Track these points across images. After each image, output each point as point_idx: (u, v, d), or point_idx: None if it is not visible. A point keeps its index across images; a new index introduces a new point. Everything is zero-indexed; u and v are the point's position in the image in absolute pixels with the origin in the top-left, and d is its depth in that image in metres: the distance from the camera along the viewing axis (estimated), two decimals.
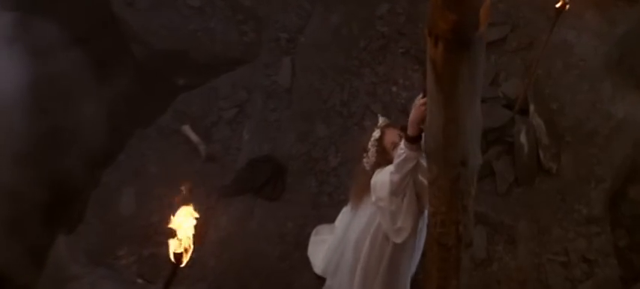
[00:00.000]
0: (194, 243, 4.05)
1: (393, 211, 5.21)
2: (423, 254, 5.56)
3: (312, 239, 6.65)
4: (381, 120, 5.41)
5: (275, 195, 7.25)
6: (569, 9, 5.63)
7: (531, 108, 6.72)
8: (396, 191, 5.09)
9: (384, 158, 5.28)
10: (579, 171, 6.53)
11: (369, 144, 5.34)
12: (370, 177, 5.31)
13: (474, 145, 4.06)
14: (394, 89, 7.51)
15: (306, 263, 6.63)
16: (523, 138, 6.65)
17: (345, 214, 5.98)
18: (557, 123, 6.71)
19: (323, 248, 6.51)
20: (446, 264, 4.66)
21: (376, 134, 5.32)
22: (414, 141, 4.83)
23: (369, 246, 5.62)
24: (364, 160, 5.39)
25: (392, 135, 5.29)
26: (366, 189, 5.40)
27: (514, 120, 6.72)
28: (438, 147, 4.06)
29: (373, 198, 5.26)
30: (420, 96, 4.68)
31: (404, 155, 4.90)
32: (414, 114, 4.77)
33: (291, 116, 7.66)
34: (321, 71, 7.81)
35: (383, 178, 5.14)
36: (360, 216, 5.65)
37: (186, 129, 7.91)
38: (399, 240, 5.40)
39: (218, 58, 8.35)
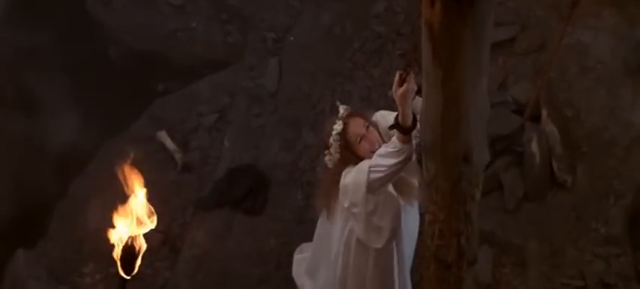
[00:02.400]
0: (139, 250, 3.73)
1: (370, 211, 4.56)
2: (416, 269, 5.00)
3: (296, 258, 6.01)
4: (343, 110, 4.71)
5: (256, 209, 6.79)
6: (584, 8, 5.09)
7: (543, 114, 6.34)
8: (376, 189, 4.45)
9: (349, 154, 4.63)
10: (596, 186, 6.17)
11: (331, 138, 4.65)
12: (335, 177, 4.66)
13: (478, 136, 3.39)
14: (390, 93, 6.89)
15: (290, 284, 6.08)
16: (534, 148, 6.26)
17: (321, 224, 5.28)
18: (572, 132, 6.35)
19: None
20: (445, 286, 3.95)
21: (338, 127, 4.64)
22: (410, 131, 4.14)
23: (344, 260, 4.98)
24: (326, 158, 4.71)
25: (357, 125, 4.63)
26: (332, 192, 4.75)
27: (524, 128, 6.36)
28: (436, 138, 3.39)
29: (345, 204, 4.60)
30: (398, 74, 4.05)
31: (403, 152, 4.21)
32: (399, 96, 4.09)
33: (276, 122, 7.28)
34: (310, 74, 7.45)
35: (357, 179, 4.47)
36: (335, 224, 5.00)
37: (162, 136, 7.47)
38: (378, 244, 4.74)
39: (199, 60, 8.08)
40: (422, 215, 4.91)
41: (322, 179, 4.97)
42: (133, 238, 3.70)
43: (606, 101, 6.43)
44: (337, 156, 4.61)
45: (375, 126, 4.72)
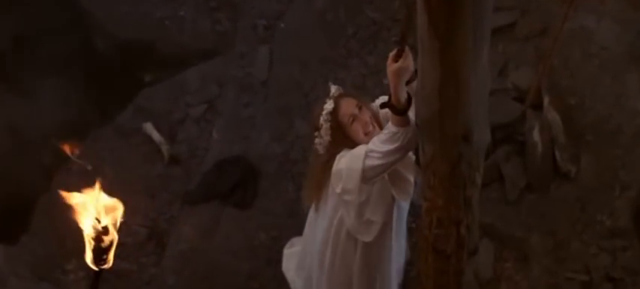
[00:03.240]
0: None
1: (362, 202, 4.30)
2: (411, 262, 4.77)
3: (286, 252, 5.79)
4: (334, 89, 4.43)
5: (245, 202, 6.57)
6: None
7: (545, 101, 6.15)
8: (370, 178, 4.15)
9: (340, 136, 4.34)
10: (602, 176, 5.98)
11: (321, 119, 4.37)
12: (326, 162, 4.38)
13: (479, 114, 3.17)
14: (386, 82, 6.70)
15: (281, 280, 5.92)
16: (536, 136, 6.06)
17: (310, 216, 5.01)
18: (576, 120, 6.14)
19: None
20: (444, 278, 3.74)
21: (328, 106, 4.35)
22: (405, 111, 3.85)
23: (331, 252, 4.71)
24: (316, 141, 4.42)
25: (348, 105, 4.34)
26: (323, 179, 4.48)
27: (525, 116, 6.18)
28: (433, 116, 3.14)
29: (337, 189, 4.31)
30: (393, 52, 3.77)
31: (400, 136, 3.91)
32: (392, 74, 3.79)
33: (266, 112, 7.06)
34: (302, 61, 7.21)
35: (351, 164, 4.18)
36: (322, 215, 4.71)
37: (148, 128, 7.25)
38: (368, 238, 4.49)
39: (188, 49, 7.81)
40: (413, 207, 4.74)
41: (311, 165, 4.67)
42: (99, 231, 3.33)
43: (611, 88, 6.24)
44: (328, 138, 4.34)
45: (371, 109, 4.44)
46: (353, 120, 4.27)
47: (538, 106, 6.20)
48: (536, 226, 5.95)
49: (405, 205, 4.51)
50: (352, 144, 4.25)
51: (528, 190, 6.11)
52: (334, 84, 4.52)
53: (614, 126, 6.11)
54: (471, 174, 3.32)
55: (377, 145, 4.04)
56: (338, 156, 4.28)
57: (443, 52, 2.89)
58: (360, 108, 4.29)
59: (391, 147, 3.95)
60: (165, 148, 7.12)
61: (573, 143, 6.11)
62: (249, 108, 7.17)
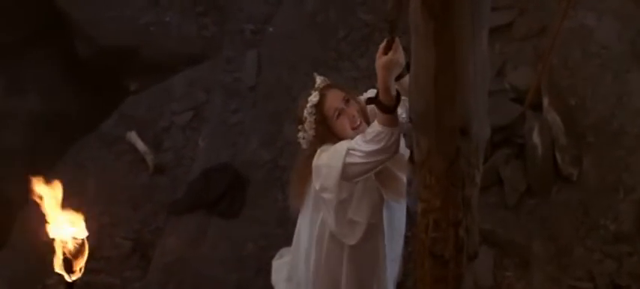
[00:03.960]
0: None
1: (343, 200, 4.03)
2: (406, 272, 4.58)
3: (275, 263, 5.55)
4: (319, 80, 4.16)
5: (232, 211, 6.39)
6: None
7: (545, 102, 6.05)
8: (351, 178, 3.89)
9: (325, 130, 4.06)
10: (605, 179, 5.92)
11: (305, 112, 4.09)
12: (308, 157, 4.11)
13: (478, 104, 2.92)
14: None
15: None
16: (536, 138, 5.94)
17: (298, 222, 4.77)
18: (577, 121, 6.08)
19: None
20: (442, 285, 3.45)
21: (313, 98, 4.07)
22: (393, 110, 3.59)
23: (316, 254, 4.45)
24: (299, 134, 4.16)
25: (334, 98, 4.06)
26: (305, 174, 4.20)
27: (525, 117, 6.06)
28: (428, 107, 2.89)
29: (316, 186, 4.05)
30: (382, 44, 3.55)
31: (383, 135, 3.65)
32: (381, 68, 3.56)
33: (255, 117, 6.91)
34: (291, 64, 7.06)
35: (331, 161, 3.90)
36: (305, 213, 4.46)
37: (132, 137, 7.09)
38: (352, 240, 4.22)
39: (173, 55, 7.67)
40: (409, 214, 4.49)
41: (296, 162, 4.41)
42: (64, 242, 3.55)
43: (613, 88, 6.18)
44: (312, 133, 4.08)
45: (360, 103, 4.18)
46: (339, 114, 4.01)
47: (537, 107, 6.10)
48: (538, 232, 5.85)
49: (397, 206, 4.25)
50: (337, 139, 3.99)
51: (528, 194, 6.01)
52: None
53: (616, 127, 6.05)
54: (470, 172, 3.08)
55: (359, 144, 3.77)
56: (319, 151, 4.02)
57: (438, 34, 2.65)
58: (347, 102, 4.02)
59: (374, 147, 3.69)
60: (149, 158, 6.96)
61: (574, 145, 6.02)
62: (236, 115, 7.03)
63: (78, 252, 3.62)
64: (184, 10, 7.82)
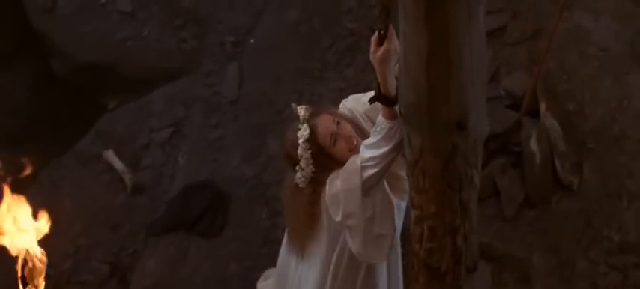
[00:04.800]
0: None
1: (368, 218, 3.73)
2: None
3: (260, 285, 5.29)
4: (302, 111, 3.85)
5: (214, 230, 6.28)
6: None
7: (542, 107, 5.90)
8: (370, 189, 3.62)
9: (324, 159, 3.79)
10: (607, 186, 5.77)
11: (299, 150, 3.80)
12: (311, 194, 3.85)
13: (476, 94, 2.64)
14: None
15: None
16: (534, 145, 5.80)
17: (283, 254, 4.48)
18: (576, 127, 5.93)
19: None
20: None
21: (304, 132, 3.79)
22: (395, 102, 3.33)
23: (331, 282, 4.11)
24: (297, 175, 3.85)
25: (325, 124, 3.78)
26: (313, 214, 3.91)
27: (521, 124, 5.91)
28: (420, 99, 2.62)
29: (337, 217, 3.74)
30: (374, 36, 3.29)
31: (394, 129, 3.41)
32: (378, 62, 3.28)
33: (236, 132, 6.80)
34: (274, 76, 6.92)
35: (347, 184, 3.64)
36: (313, 259, 4.13)
37: (110, 155, 7.08)
38: (381, 258, 3.91)
39: (152, 70, 7.64)
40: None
41: (291, 205, 4.10)
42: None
43: (612, 91, 6.03)
44: (310, 168, 3.80)
45: (346, 118, 3.91)
46: (335, 140, 3.74)
47: (534, 113, 5.98)
48: (538, 244, 5.72)
49: (402, 205, 3.98)
50: (339, 164, 3.72)
51: (527, 205, 5.89)
52: (299, 105, 3.97)
53: (617, 132, 5.89)
54: (468, 172, 2.80)
55: (372, 151, 3.52)
56: (328, 181, 3.74)
57: (429, 15, 2.38)
58: (338, 123, 3.76)
59: (389, 146, 3.44)
60: (127, 177, 6.92)
61: (574, 151, 5.89)
62: (217, 130, 6.93)
63: (33, 268, 3.26)
64: (163, 24, 7.73)
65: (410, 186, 2.95)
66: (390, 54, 3.19)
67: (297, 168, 3.84)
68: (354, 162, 3.60)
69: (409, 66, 2.54)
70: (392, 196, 3.76)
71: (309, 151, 3.78)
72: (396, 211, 3.85)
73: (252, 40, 7.32)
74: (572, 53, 6.16)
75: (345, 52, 6.96)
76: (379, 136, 3.45)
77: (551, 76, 6.05)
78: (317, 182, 3.83)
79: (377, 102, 3.40)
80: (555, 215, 5.80)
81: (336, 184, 3.71)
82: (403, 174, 3.70)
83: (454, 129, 2.62)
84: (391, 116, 3.35)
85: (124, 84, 7.67)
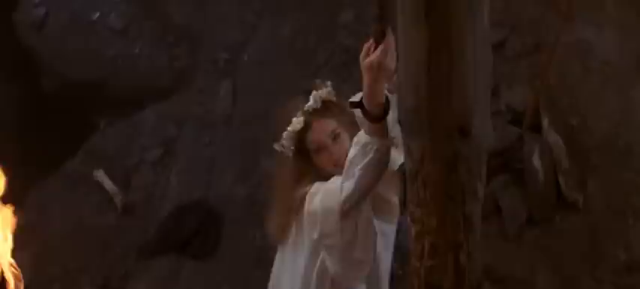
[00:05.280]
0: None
1: (347, 241, 3.46)
2: None
3: None
4: (313, 101, 3.61)
5: (206, 251, 6.25)
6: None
7: (544, 122, 5.88)
8: (349, 211, 3.34)
9: (304, 159, 3.55)
10: (612, 203, 5.74)
11: (284, 136, 3.59)
12: (294, 182, 3.57)
13: (480, 97, 2.44)
14: None
15: None
16: (536, 162, 5.77)
17: (278, 258, 4.23)
18: (580, 142, 5.93)
19: None
20: None
21: (296, 125, 3.55)
22: (381, 119, 3.08)
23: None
24: (276, 146, 3.64)
25: (321, 132, 3.52)
26: (290, 201, 3.61)
27: (523, 140, 5.88)
28: (420, 103, 2.44)
29: (314, 235, 3.50)
30: (368, 43, 3.06)
31: (372, 148, 3.14)
32: (365, 69, 3.05)
33: (229, 150, 6.76)
34: (268, 93, 6.80)
35: (326, 203, 3.39)
36: (300, 250, 3.86)
37: (99, 175, 7.03)
38: (358, 285, 3.64)
39: (144, 88, 7.51)
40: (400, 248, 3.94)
41: (276, 182, 3.86)
42: None
43: (617, 104, 6.02)
44: (289, 161, 3.56)
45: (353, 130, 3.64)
46: (321, 150, 3.48)
47: (536, 129, 5.93)
48: (541, 264, 5.68)
49: (388, 228, 3.74)
50: (316, 170, 3.49)
51: (530, 223, 5.84)
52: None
53: (622, 146, 5.87)
54: (471, 183, 2.60)
55: (349, 167, 3.24)
56: (308, 195, 3.49)
57: (430, 11, 2.21)
58: (334, 138, 3.48)
59: (363, 161, 3.16)
60: (118, 197, 6.89)
61: (578, 168, 5.85)
62: (210, 148, 6.90)
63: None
64: (154, 41, 7.63)
65: (410, 199, 2.76)
66: (381, 67, 2.97)
67: (276, 147, 3.62)
68: (336, 182, 3.35)
69: (408, 67, 2.36)
70: (376, 221, 3.53)
71: (292, 147, 3.55)
72: (379, 239, 3.62)
73: (245, 57, 7.27)
74: (575, 67, 6.12)
75: (340, 68, 6.83)
76: (355, 151, 3.19)
77: (554, 91, 6.01)
78: (297, 173, 3.58)
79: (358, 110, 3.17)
80: (559, 233, 5.76)
81: (316, 201, 3.45)
82: (393, 198, 3.51)
83: (456, 134, 2.44)
84: (372, 131, 3.11)
85: (115, 102, 7.57)
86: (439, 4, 2.18)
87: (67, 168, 7.22)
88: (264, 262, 5.39)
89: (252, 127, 6.78)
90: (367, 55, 3.04)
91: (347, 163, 3.22)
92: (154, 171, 7.05)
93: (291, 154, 3.53)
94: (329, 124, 3.51)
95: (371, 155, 3.13)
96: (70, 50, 7.65)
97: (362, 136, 3.14)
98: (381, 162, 3.17)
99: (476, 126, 2.45)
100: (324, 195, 3.38)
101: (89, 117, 7.70)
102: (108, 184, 6.93)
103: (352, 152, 3.20)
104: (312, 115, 3.54)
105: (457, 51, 2.27)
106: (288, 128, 3.54)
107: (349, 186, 3.23)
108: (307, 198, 3.46)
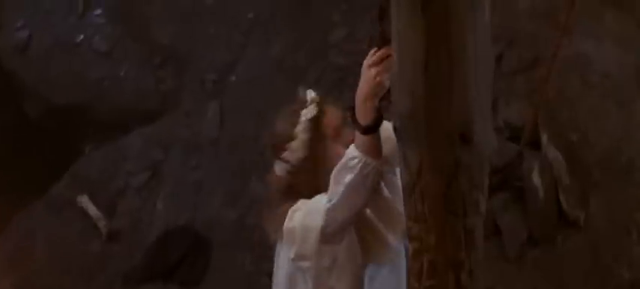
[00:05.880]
0: None
1: (325, 268, 3.24)
2: None
3: None
4: (313, 95, 3.32)
5: (194, 278, 6.16)
6: (582, 11, 5.22)
7: (544, 138, 5.79)
8: (331, 235, 3.12)
9: (321, 151, 3.24)
10: (615, 221, 5.65)
11: (299, 128, 3.25)
12: (287, 188, 3.30)
13: (481, 101, 2.27)
14: None
15: None
16: (536, 179, 5.67)
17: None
18: (581, 158, 5.82)
19: None
20: None
21: (310, 111, 3.25)
22: (371, 130, 2.88)
23: None
24: (286, 155, 3.27)
25: (335, 115, 3.27)
26: (285, 207, 3.31)
27: (522, 156, 5.78)
28: (416, 107, 2.27)
29: (291, 255, 3.25)
30: (371, 52, 2.88)
31: (357, 164, 2.92)
32: (365, 78, 2.88)
33: (217, 173, 6.66)
34: (257, 114, 6.70)
35: (308, 221, 3.15)
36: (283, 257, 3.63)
37: (84, 201, 6.90)
38: None
39: (129, 111, 7.42)
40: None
41: (271, 193, 3.59)
42: None
43: (618, 119, 5.94)
44: (300, 154, 3.25)
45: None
46: (337, 137, 3.24)
47: (536, 145, 5.82)
48: (543, 285, 5.60)
49: (379, 274, 3.48)
50: (322, 173, 3.24)
51: (531, 244, 5.74)
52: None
53: (624, 162, 5.79)
54: (473, 194, 2.43)
55: (334, 184, 3.02)
56: (291, 211, 3.23)
57: (427, 6, 2.04)
58: (343, 126, 3.27)
59: (349, 177, 2.95)
60: (102, 223, 6.76)
61: (580, 185, 5.75)
62: (197, 172, 6.80)
63: None
64: (140, 63, 7.54)
65: (407, 215, 2.56)
66: (378, 87, 2.80)
67: (285, 147, 3.28)
68: (321, 199, 3.12)
69: (404, 68, 2.17)
70: (362, 255, 3.29)
71: (308, 134, 3.25)
72: (366, 277, 3.35)
73: (233, 77, 7.18)
74: (574, 81, 6.06)
75: (331, 87, 6.72)
76: (342, 166, 2.97)
77: (553, 106, 5.92)
78: (295, 178, 3.30)
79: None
80: (561, 253, 5.66)
81: (296, 217, 3.19)
82: (386, 234, 3.29)
83: (457, 141, 2.25)
84: (363, 147, 2.92)
85: (101, 126, 7.49)
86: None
87: (51, 194, 7.10)
88: (254, 287, 5.77)
89: (240, 149, 6.68)
90: (371, 66, 2.88)
91: (332, 179, 3.00)
92: (139, 196, 6.93)
93: (305, 147, 3.27)
94: (338, 112, 3.28)
95: (357, 171, 2.92)
96: (54, 74, 7.58)
97: (351, 149, 2.94)
98: (367, 179, 2.95)
99: (478, 131, 2.28)
100: (306, 213, 3.12)
101: (74, 142, 7.61)
102: (92, 210, 6.81)
103: (338, 165, 2.99)
104: (321, 103, 3.29)
105: (457, 48, 2.10)
106: (302, 118, 3.22)
107: (333, 205, 3.01)
108: (289, 213, 3.22)
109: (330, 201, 3.02)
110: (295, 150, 3.19)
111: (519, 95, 6.08)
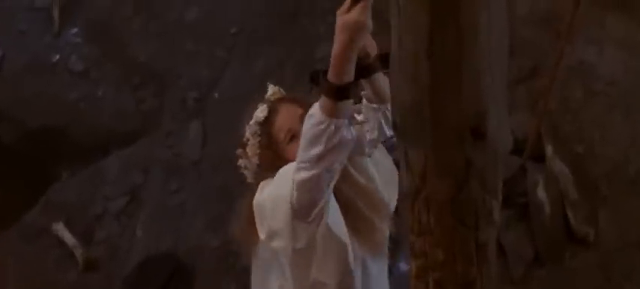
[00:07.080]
0: None
1: (301, 249, 2.91)
2: None
3: None
4: (272, 90, 3.18)
5: None
6: (584, 17, 5.06)
7: (548, 150, 5.71)
8: (306, 209, 2.80)
9: (272, 156, 3.04)
10: (625, 235, 5.58)
11: (248, 131, 3.12)
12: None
13: (497, 90, 1.98)
14: None
15: None
16: (541, 194, 5.59)
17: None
18: (588, 171, 5.72)
19: None
20: None
21: (260, 113, 3.09)
22: (344, 94, 2.60)
23: None
24: (240, 162, 3.17)
25: (288, 116, 3.05)
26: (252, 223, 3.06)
27: (526, 170, 5.68)
28: (420, 98, 1.97)
29: (262, 234, 2.94)
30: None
31: (324, 127, 2.63)
32: (340, 28, 2.55)
33: (199, 196, 6.56)
34: (241, 133, 6.26)
35: (277, 190, 2.86)
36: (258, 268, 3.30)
37: (59, 228, 6.74)
38: None
39: (107, 133, 7.31)
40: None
41: (243, 204, 3.31)
42: None
43: (624, 128, 5.86)
44: (255, 160, 3.05)
45: None
46: (292, 138, 2.95)
47: (540, 158, 5.74)
48: None
49: (375, 264, 3.19)
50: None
51: (537, 263, 5.62)
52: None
53: (633, 173, 5.69)
54: (486, 202, 2.13)
55: (302, 151, 2.73)
56: (261, 184, 2.99)
57: None
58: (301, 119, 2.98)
59: (318, 149, 2.65)
60: (79, 252, 6.61)
61: (587, 199, 5.66)
62: (179, 195, 6.69)
63: None
64: (119, 82, 7.43)
65: (409, 227, 2.26)
66: (359, 25, 2.48)
67: (239, 152, 3.20)
68: (289, 167, 2.84)
69: (404, 49, 1.87)
70: (357, 247, 2.99)
71: (258, 138, 3.10)
72: (359, 267, 3.06)
73: (216, 95, 7.06)
74: (578, 90, 6.00)
75: None
76: (309, 131, 2.67)
77: (556, 116, 5.89)
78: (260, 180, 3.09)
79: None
80: (570, 272, 5.55)
81: (266, 191, 2.95)
82: (375, 219, 3.05)
83: (468, 137, 1.95)
84: (327, 109, 2.61)
85: (78, 149, 7.32)
86: None
87: (25, 222, 6.96)
88: None
89: (223, 171, 6.46)
90: (345, 13, 2.55)
91: (300, 148, 2.71)
92: (118, 222, 6.78)
93: (256, 155, 3.05)
94: (295, 108, 3.05)
95: (325, 136, 2.62)
96: (28, 95, 7.45)
97: (316, 113, 2.61)
98: (339, 147, 2.66)
99: (492, 126, 2.00)
100: (276, 181, 2.88)
101: (49, 167, 7.47)
102: (68, 238, 6.65)
103: (304, 131, 2.67)
104: (275, 103, 3.11)
105: (468, 25, 1.81)
106: (251, 120, 3.11)
107: (305, 171, 2.72)
108: (259, 187, 2.96)
109: (297, 170, 2.74)
110: (251, 156, 3.06)
111: (521, 106, 5.94)
